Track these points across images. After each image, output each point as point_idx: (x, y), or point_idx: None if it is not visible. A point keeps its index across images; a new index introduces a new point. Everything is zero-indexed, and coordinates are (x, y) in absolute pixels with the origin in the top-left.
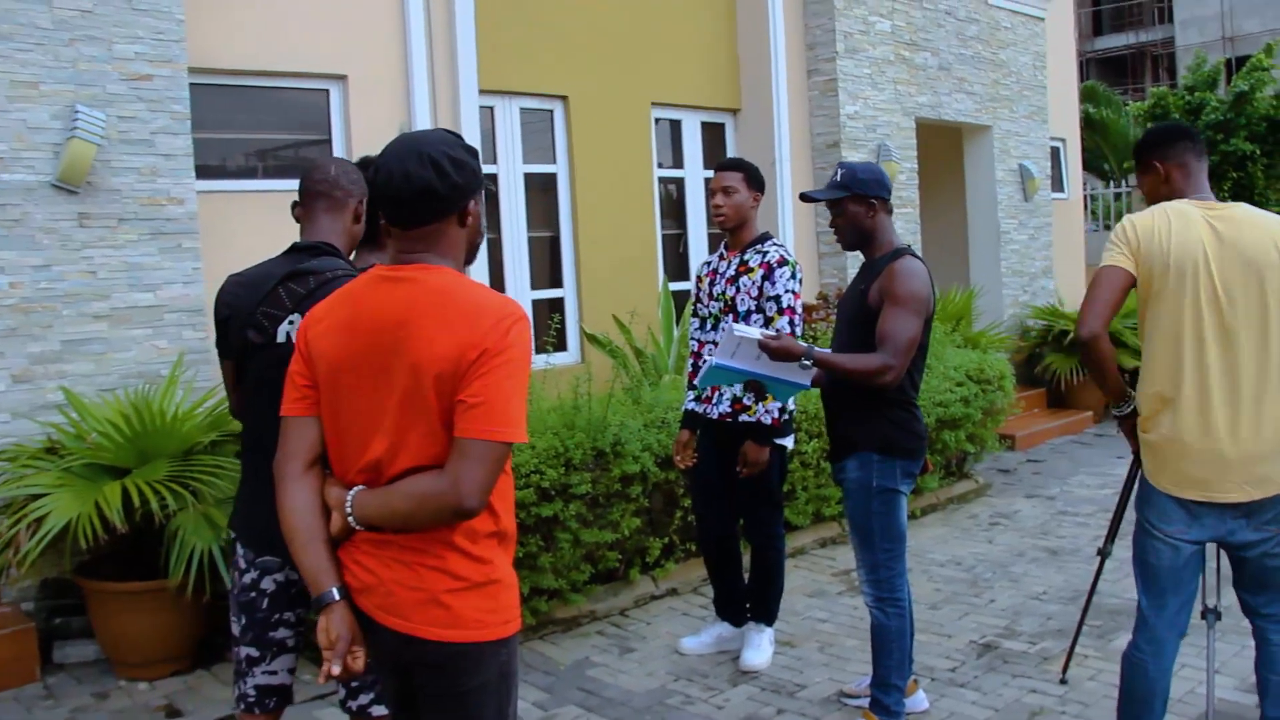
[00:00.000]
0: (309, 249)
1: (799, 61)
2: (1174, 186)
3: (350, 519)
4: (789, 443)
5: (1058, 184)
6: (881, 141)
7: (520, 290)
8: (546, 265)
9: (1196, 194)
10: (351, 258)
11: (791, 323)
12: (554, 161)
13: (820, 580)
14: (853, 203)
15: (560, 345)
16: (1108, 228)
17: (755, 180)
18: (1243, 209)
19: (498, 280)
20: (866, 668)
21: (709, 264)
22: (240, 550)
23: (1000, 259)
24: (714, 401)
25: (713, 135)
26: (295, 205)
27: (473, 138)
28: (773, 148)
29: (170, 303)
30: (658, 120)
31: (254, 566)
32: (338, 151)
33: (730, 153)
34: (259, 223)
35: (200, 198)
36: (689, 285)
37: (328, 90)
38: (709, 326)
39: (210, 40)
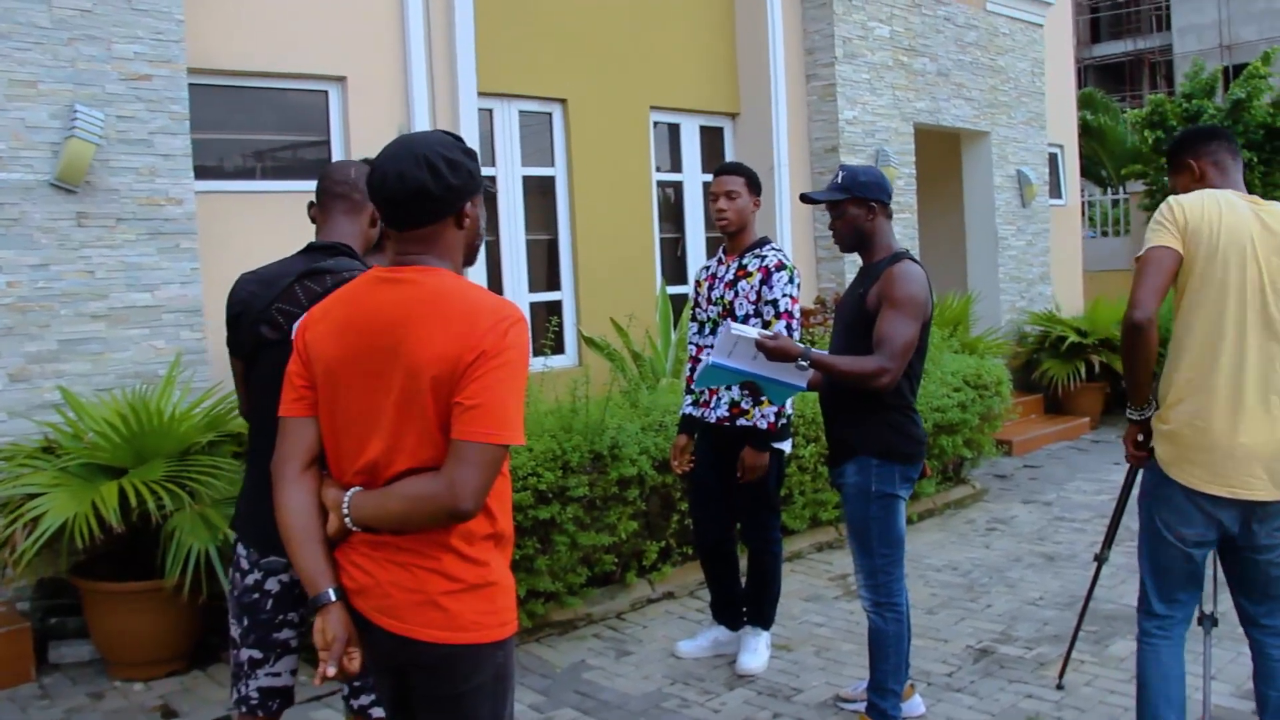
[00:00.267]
0: (326, 248)
1: (798, 66)
2: (1208, 184)
3: (347, 520)
4: (786, 447)
5: (1055, 190)
6: (880, 147)
7: (518, 293)
8: (544, 268)
9: (1235, 189)
10: None
11: (789, 326)
12: (552, 164)
13: (817, 584)
14: (852, 205)
15: (558, 348)
16: (1105, 234)
17: (755, 185)
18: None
19: (495, 283)
20: (863, 672)
21: (707, 269)
22: (243, 551)
23: (998, 265)
24: (711, 405)
25: (711, 139)
26: (311, 206)
27: (471, 140)
28: (771, 152)
29: (168, 303)
30: (656, 124)
31: (258, 567)
32: (336, 153)
33: (729, 157)
34: (257, 223)
35: (199, 198)
36: (687, 289)
37: (327, 91)
38: (707, 331)
39: (210, 41)
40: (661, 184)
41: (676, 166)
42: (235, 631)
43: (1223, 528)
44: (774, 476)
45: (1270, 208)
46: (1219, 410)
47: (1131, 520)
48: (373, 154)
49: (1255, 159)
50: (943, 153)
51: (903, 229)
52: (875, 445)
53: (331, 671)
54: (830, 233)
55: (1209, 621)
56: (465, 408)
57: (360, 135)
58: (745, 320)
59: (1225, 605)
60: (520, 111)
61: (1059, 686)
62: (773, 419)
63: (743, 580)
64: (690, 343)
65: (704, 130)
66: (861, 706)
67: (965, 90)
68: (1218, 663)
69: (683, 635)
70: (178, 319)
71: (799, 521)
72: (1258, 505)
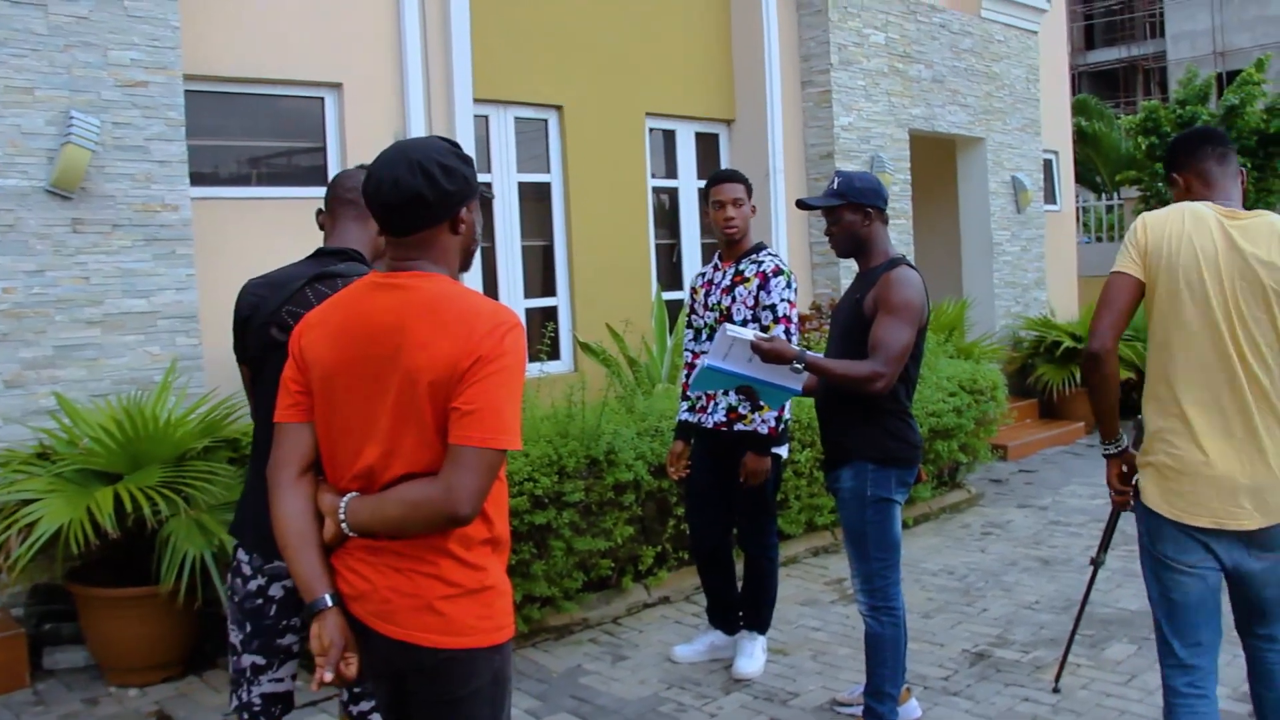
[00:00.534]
0: (336, 253)
1: (793, 73)
2: (1195, 198)
3: (344, 525)
4: (784, 451)
5: (1050, 196)
6: (875, 153)
7: (514, 299)
8: (540, 274)
9: (1220, 200)
10: None
11: (787, 331)
12: (548, 171)
13: (813, 589)
14: (849, 211)
15: (554, 354)
16: (1100, 240)
17: (750, 190)
18: (1266, 219)
19: (491, 289)
20: (859, 676)
21: (703, 275)
22: (244, 556)
23: (993, 270)
24: (709, 411)
25: (707, 146)
26: (320, 213)
27: (467, 146)
28: (767, 159)
29: (163, 309)
30: (652, 130)
31: (261, 573)
32: (332, 160)
33: (725, 163)
34: (253, 230)
35: (194, 204)
36: (682, 295)
37: (323, 98)
38: (704, 337)
39: (206, 47)
40: (657, 190)
41: (672, 173)
42: (236, 638)
43: (1221, 558)
44: (771, 481)
45: (1245, 222)
46: (1194, 440)
47: (1127, 525)
48: (368, 161)
49: (1249, 165)
50: (938, 159)
51: (898, 235)
52: (871, 450)
53: (328, 677)
54: (826, 239)
55: None
56: (462, 413)
57: (356, 142)
58: (743, 325)
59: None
60: (516, 118)
61: (1055, 690)
62: (774, 424)
63: (739, 585)
64: (686, 349)
65: (699, 137)
66: (858, 710)
67: (960, 97)
68: None
69: (679, 640)
70: (173, 325)
71: (795, 526)
72: (1248, 535)
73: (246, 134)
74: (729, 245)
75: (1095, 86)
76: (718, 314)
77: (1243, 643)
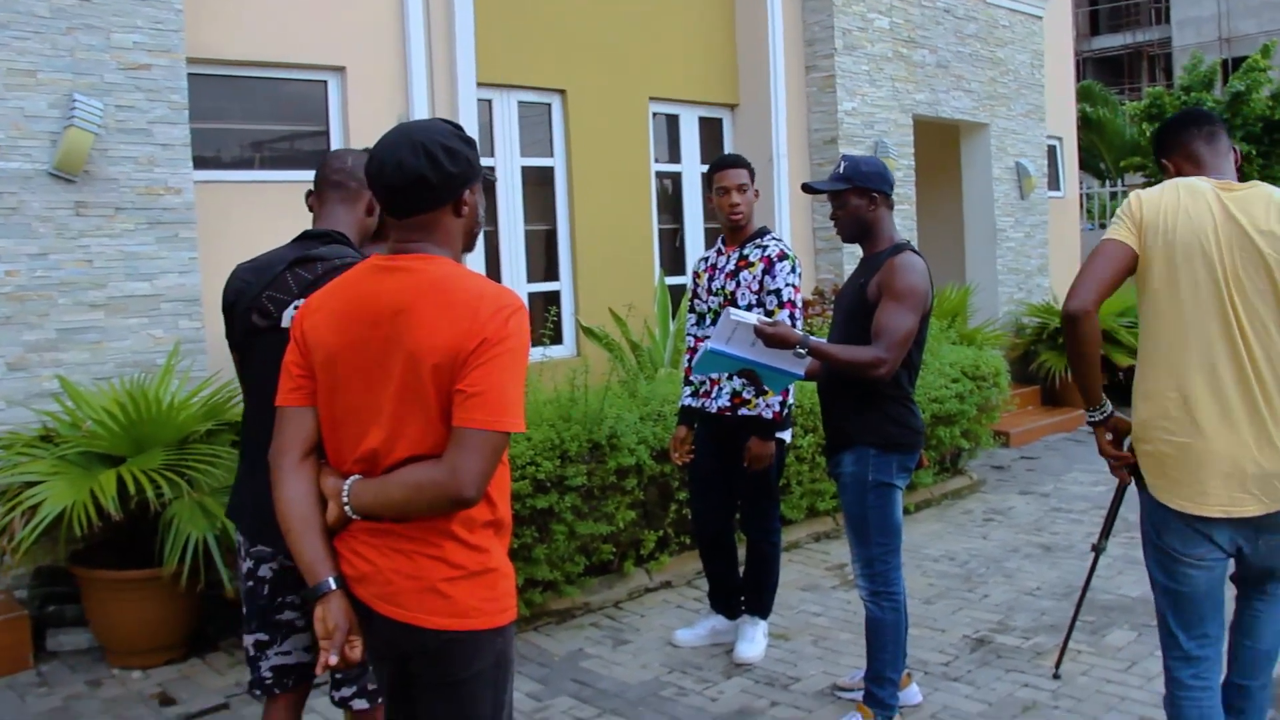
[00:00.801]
0: (319, 236)
1: (797, 58)
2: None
3: (347, 508)
4: (787, 436)
5: (1054, 182)
6: (879, 138)
7: (516, 283)
8: (543, 258)
9: (1209, 175)
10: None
11: (792, 316)
12: (551, 155)
13: (814, 574)
14: (854, 195)
15: (556, 338)
16: (1103, 226)
17: (754, 175)
18: (1262, 189)
19: (494, 273)
20: (860, 661)
21: (706, 259)
22: (240, 538)
23: (996, 256)
24: (713, 396)
25: (710, 130)
26: (309, 195)
27: (470, 130)
28: (770, 144)
29: (166, 292)
30: (655, 115)
31: (249, 555)
32: (335, 143)
33: (728, 148)
34: (256, 213)
35: (197, 188)
36: (685, 280)
37: (326, 82)
38: (707, 322)
39: (209, 30)
40: (660, 175)
41: (675, 158)
42: (245, 617)
43: (1226, 545)
44: (775, 466)
45: (1241, 193)
46: (1195, 422)
47: (1129, 511)
48: (371, 144)
49: (1254, 152)
50: (942, 144)
51: (901, 220)
52: (873, 435)
53: (333, 660)
54: (829, 224)
55: None
56: (466, 395)
57: (359, 125)
58: (748, 310)
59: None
60: (519, 102)
61: (1055, 676)
62: (778, 408)
63: (741, 570)
64: (688, 334)
65: (703, 121)
66: (859, 695)
67: (964, 82)
68: None
69: (680, 624)
70: (176, 308)
71: (796, 511)
72: (1255, 520)
73: (249, 117)
74: (733, 230)
75: (1100, 73)
76: (721, 299)
77: (1236, 592)
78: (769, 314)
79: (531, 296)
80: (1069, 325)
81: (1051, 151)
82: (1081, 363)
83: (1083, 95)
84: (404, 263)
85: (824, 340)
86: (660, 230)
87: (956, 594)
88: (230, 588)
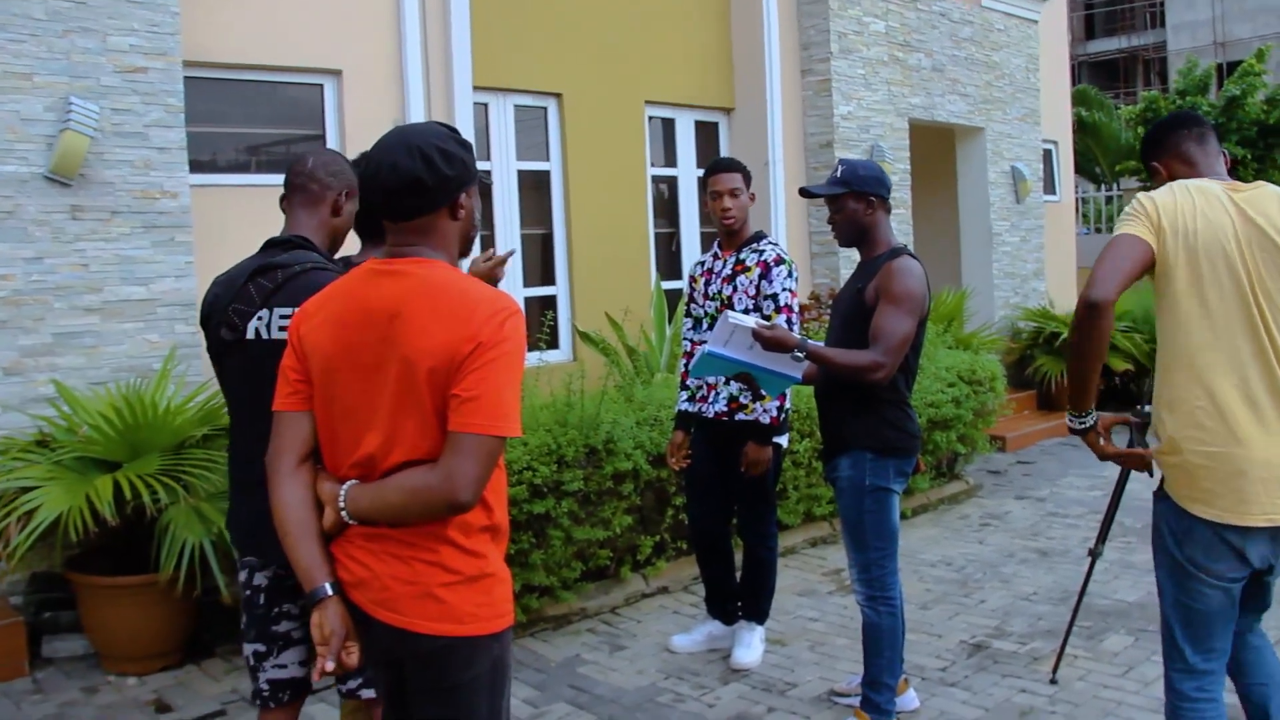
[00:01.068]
0: (281, 243)
1: (793, 61)
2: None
3: (343, 513)
4: (784, 441)
5: (1050, 187)
6: (875, 142)
7: (513, 287)
8: (539, 263)
9: (1205, 176)
10: (356, 252)
11: (789, 321)
12: (547, 159)
13: (811, 579)
14: (852, 199)
15: (553, 343)
16: (1099, 231)
17: (750, 179)
18: (1269, 189)
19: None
20: (857, 666)
21: (703, 264)
22: (235, 551)
23: (992, 261)
24: (710, 400)
25: (706, 134)
26: (282, 199)
27: (466, 134)
28: (766, 147)
29: (162, 296)
30: (651, 119)
31: (243, 565)
32: (331, 147)
33: (724, 152)
34: (252, 217)
35: (194, 191)
36: (681, 284)
37: (322, 85)
38: (703, 326)
39: (205, 34)
40: (656, 179)
41: (671, 161)
42: (243, 625)
43: (1254, 559)
44: (771, 471)
45: (1250, 193)
46: (1228, 432)
47: (1125, 516)
48: (368, 147)
49: (1249, 155)
50: (937, 148)
51: (897, 224)
52: (870, 440)
53: (330, 666)
54: (825, 228)
55: None
56: (462, 399)
57: (355, 129)
58: (745, 314)
59: None
60: (515, 106)
61: (1053, 681)
62: (775, 413)
63: (737, 575)
64: (685, 338)
65: (699, 125)
66: (856, 701)
67: (960, 86)
68: None
69: (677, 630)
70: (172, 312)
71: (793, 517)
72: (1274, 530)
73: (246, 121)
74: (728, 234)
75: (1095, 77)
76: (718, 303)
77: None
78: (766, 319)
79: (528, 301)
80: (1087, 314)
81: (1047, 155)
82: (1088, 360)
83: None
84: (399, 266)
85: (822, 344)
86: (656, 234)
87: (953, 599)
88: (227, 594)
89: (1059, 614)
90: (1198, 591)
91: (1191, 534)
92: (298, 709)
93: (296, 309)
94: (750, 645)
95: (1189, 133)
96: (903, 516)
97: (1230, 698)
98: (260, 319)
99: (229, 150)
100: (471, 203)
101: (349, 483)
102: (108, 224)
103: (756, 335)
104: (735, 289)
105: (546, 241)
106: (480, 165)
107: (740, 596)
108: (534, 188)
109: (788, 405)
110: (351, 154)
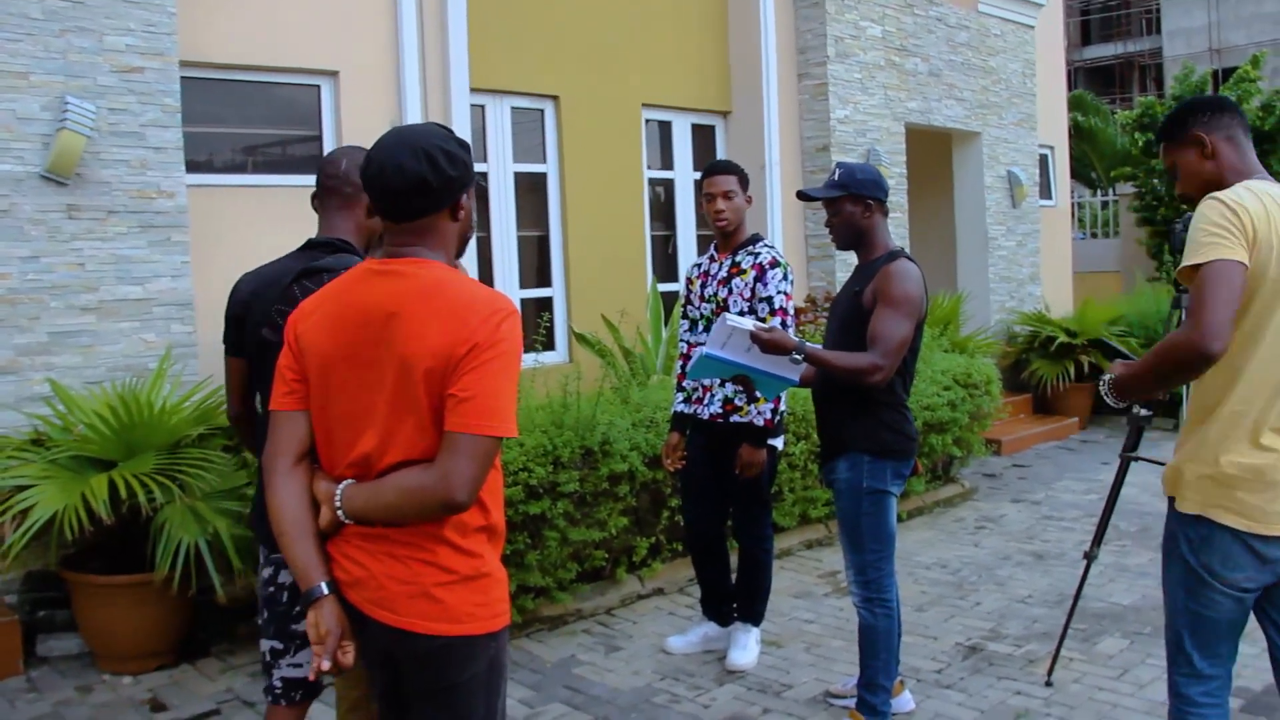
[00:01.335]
0: (324, 245)
1: (790, 65)
2: (1222, 163)
3: (339, 513)
4: (779, 443)
5: (1046, 191)
6: (871, 146)
7: (509, 289)
8: (535, 264)
9: (1256, 174)
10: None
11: (784, 323)
12: (544, 161)
13: (806, 581)
14: (849, 203)
15: (549, 345)
16: (1094, 236)
17: (746, 182)
18: None
19: (486, 279)
20: (852, 668)
21: (699, 266)
22: (261, 546)
23: (988, 265)
24: (705, 402)
25: (703, 137)
26: (314, 198)
27: (463, 136)
28: (763, 151)
29: (158, 296)
30: (648, 121)
31: (270, 562)
32: (328, 148)
33: (721, 155)
34: (248, 217)
35: (190, 191)
36: (678, 286)
37: (319, 86)
38: (699, 328)
39: (202, 34)
40: (653, 181)
41: (668, 164)
42: (260, 623)
43: (1274, 568)
44: (767, 473)
45: None
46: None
47: (1120, 519)
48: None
49: None
50: (934, 153)
51: (894, 228)
52: (867, 442)
53: (326, 665)
54: (822, 231)
55: None
56: (459, 400)
57: (352, 130)
58: (740, 317)
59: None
60: (512, 108)
61: (1048, 683)
62: (770, 415)
63: (733, 576)
64: (681, 340)
65: (696, 128)
66: (851, 702)
67: (957, 90)
68: None
69: (672, 631)
70: (168, 312)
71: (789, 519)
72: None
73: (242, 121)
74: (723, 237)
75: (1091, 82)
76: (714, 305)
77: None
78: (761, 321)
79: (524, 302)
80: (1198, 363)
81: (1043, 160)
82: (1163, 387)
83: (1074, 105)
84: (397, 267)
85: (820, 346)
86: (653, 237)
87: (948, 601)
88: (222, 593)
89: (1054, 617)
90: (1210, 599)
91: (1210, 542)
92: (306, 709)
93: None
94: (746, 647)
95: (1240, 119)
96: (898, 519)
97: (1233, 701)
98: None
99: (225, 150)
100: (470, 204)
101: (345, 482)
102: (104, 223)
103: (755, 337)
104: (730, 291)
105: (543, 243)
106: (477, 167)
107: (736, 598)
108: (531, 190)
109: (783, 408)
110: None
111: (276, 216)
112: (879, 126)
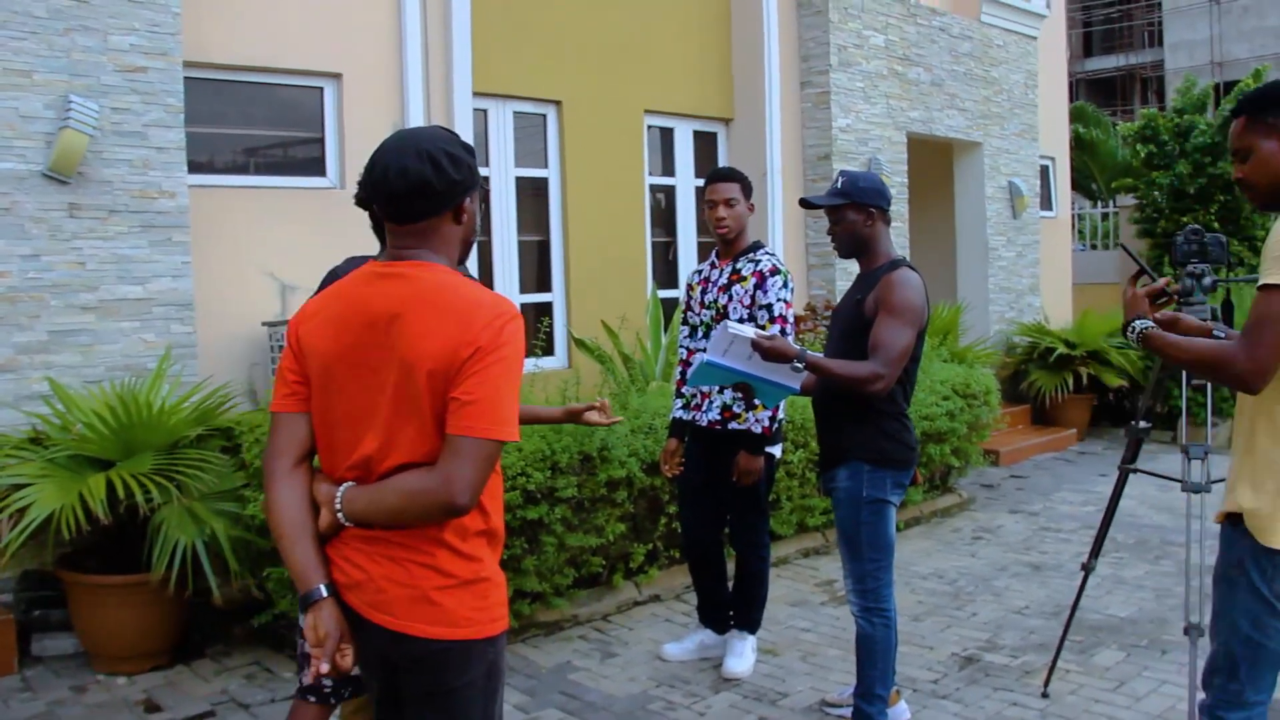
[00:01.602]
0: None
1: (792, 73)
2: None
3: (340, 515)
4: (777, 451)
5: (1046, 202)
6: (873, 155)
7: (509, 293)
8: (535, 269)
9: None
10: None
11: (784, 331)
12: (546, 166)
13: (803, 590)
14: (852, 211)
15: (548, 350)
16: (1094, 247)
17: (749, 189)
18: None
19: (487, 283)
20: (848, 677)
21: (700, 272)
22: None
23: (988, 275)
24: (703, 409)
25: (705, 144)
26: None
27: (466, 139)
28: (764, 158)
29: (159, 296)
30: (650, 128)
31: None
32: (330, 150)
33: (722, 162)
34: (250, 219)
35: (192, 192)
36: (678, 293)
37: (322, 88)
38: (699, 335)
39: (206, 34)
40: (654, 188)
41: (669, 171)
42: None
43: None
44: (764, 480)
45: None
46: None
47: (1118, 531)
48: (368, 152)
49: None
50: (935, 162)
51: (894, 238)
52: (867, 451)
53: (325, 668)
54: (823, 239)
55: (1195, 632)
56: (461, 403)
57: (355, 133)
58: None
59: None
60: (515, 112)
61: (1044, 695)
62: (767, 423)
63: (730, 584)
64: (681, 346)
65: (698, 135)
66: (847, 712)
67: (958, 101)
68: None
69: (669, 638)
70: (168, 312)
71: (786, 527)
72: None
73: (245, 122)
74: (724, 244)
75: (1093, 94)
76: (714, 312)
77: None
78: (761, 329)
79: (524, 307)
80: (1234, 384)
81: (1044, 171)
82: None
83: (1076, 116)
84: (400, 269)
85: (820, 355)
86: (653, 243)
87: (945, 612)
88: (218, 594)
89: (1051, 628)
90: (1276, 630)
91: (1277, 567)
92: (329, 711)
93: None
94: (742, 654)
95: None
96: (896, 528)
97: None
98: None
99: (228, 151)
100: (474, 207)
101: (346, 484)
102: (105, 223)
103: (756, 345)
104: (731, 298)
105: (544, 248)
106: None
107: (732, 606)
108: (532, 194)
109: (780, 415)
110: (351, 158)
111: (278, 218)
112: (881, 135)
